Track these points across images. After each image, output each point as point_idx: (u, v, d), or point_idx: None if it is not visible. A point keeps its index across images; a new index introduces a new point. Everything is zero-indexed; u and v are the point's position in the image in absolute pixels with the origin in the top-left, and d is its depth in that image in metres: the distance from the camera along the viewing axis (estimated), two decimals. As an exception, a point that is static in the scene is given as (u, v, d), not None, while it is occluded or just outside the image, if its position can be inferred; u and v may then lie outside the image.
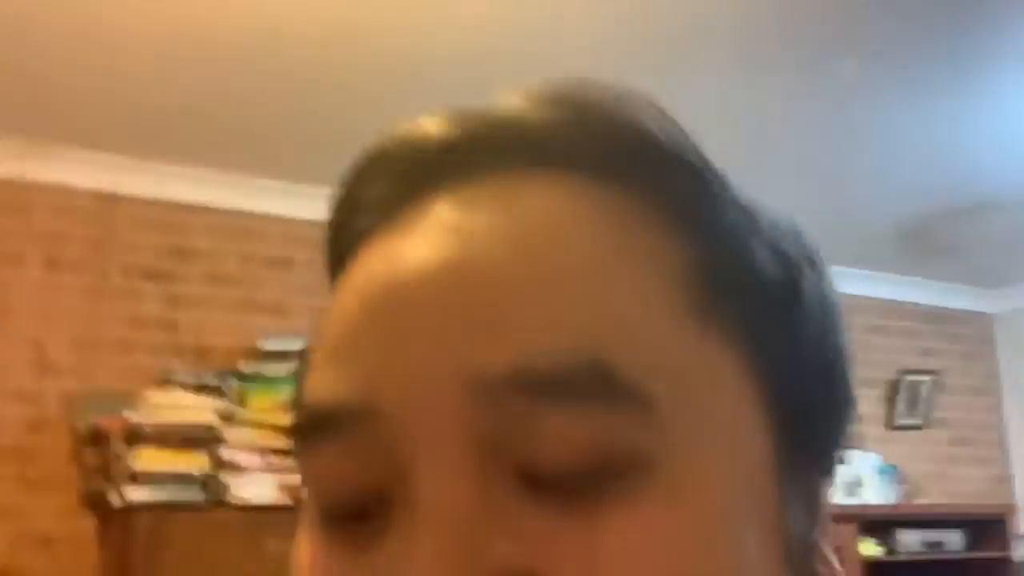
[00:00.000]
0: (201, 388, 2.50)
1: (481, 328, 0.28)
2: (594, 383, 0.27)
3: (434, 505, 0.27)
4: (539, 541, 0.27)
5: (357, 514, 0.28)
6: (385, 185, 0.32)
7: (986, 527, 3.64)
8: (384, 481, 0.28)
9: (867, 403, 3.90)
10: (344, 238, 0.33)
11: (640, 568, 0.27)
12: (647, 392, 0.28)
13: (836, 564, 0.32)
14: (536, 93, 0.32)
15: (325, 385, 0.29)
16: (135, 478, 2.25)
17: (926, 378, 4.09)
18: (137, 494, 2.23)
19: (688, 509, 0.28)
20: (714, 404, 0.29)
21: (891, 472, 3.72)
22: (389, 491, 0.28)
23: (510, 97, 0.32)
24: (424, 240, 0.30)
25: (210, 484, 2.34)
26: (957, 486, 4.08)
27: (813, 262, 0.33)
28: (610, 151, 0.31)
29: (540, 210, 0.30)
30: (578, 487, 0.27)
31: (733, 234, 0.31)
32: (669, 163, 0.31)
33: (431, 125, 0.32)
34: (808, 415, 0.31)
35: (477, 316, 0.28)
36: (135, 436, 2.29)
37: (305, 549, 0.30)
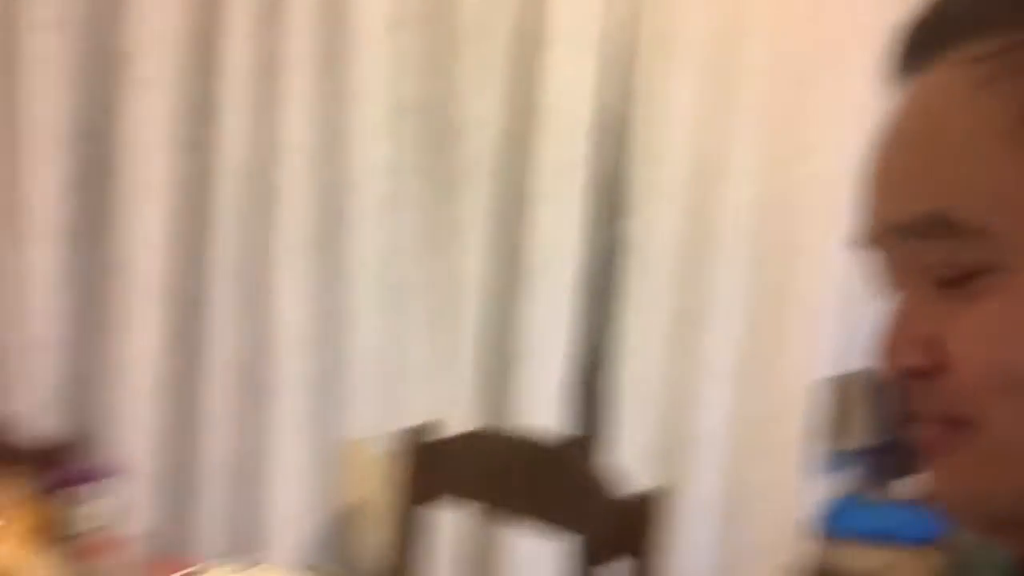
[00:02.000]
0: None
1: (886, 193, 0.43)
2: (942, 226, 0.40)
3: (898, 296, 0.44)
4: (945, 320, 0.41)
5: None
6: (894, 58, 0.45)
7: None
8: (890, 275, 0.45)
9: None
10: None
11: (1002, 326, 0.39)
12: (982, 225, 0.39)
13: None
14: None
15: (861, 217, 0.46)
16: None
17: None
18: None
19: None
20: None
21: None
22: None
23: None
24: (889, 122, 0.43)
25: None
26: None
27: None
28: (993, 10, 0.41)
29: (926, 101, 0.42)
30: (967, 283, 0.40)
31: None
32: None
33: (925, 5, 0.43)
34: None
35: (884, 185, 0.43)
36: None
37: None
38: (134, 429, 1.54)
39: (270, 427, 1.63)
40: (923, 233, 0.41)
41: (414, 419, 1.76)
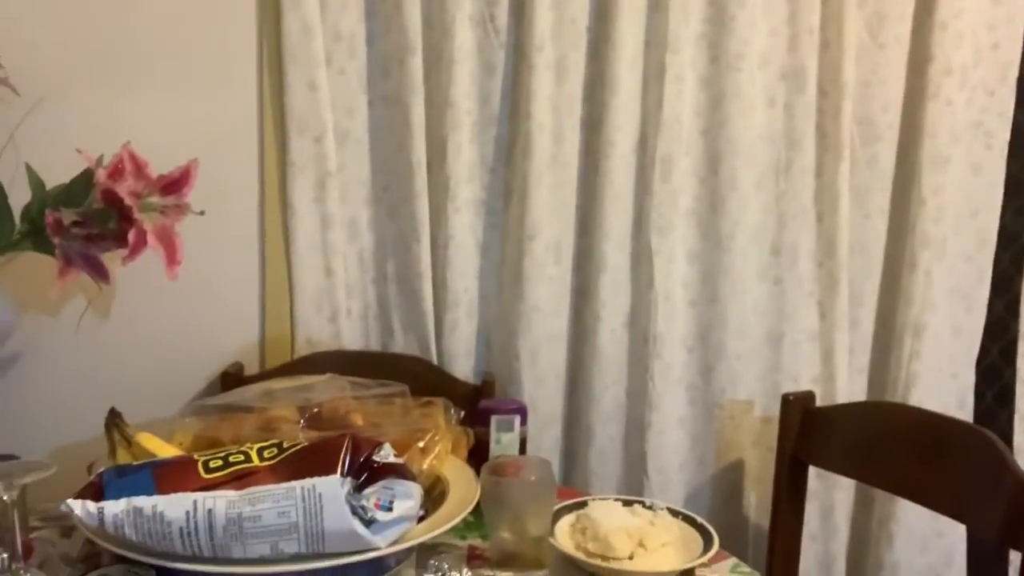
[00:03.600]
0: None
1: None
2: None
3: None
4: None
5: None
6: None
7: None
8: None
9: None
10: None
11: None
12: None
13: None
14: None
15: None
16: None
17: None
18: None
19: None
20: None
21: None
22: None
23: None
24: None
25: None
26: None
27: None
28: None
29: None
30: None
31: None
32: None
33: None
34: None
35: None
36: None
37: None
38: (540, 372, 1.72)
39: (654, 380, 1.73)
40: None
41: (796, 385, 1.77)
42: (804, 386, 1.75)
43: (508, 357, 1.71)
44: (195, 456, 1.05)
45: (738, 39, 1.67)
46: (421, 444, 1.17)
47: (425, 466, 1.18)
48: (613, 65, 1.65)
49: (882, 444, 1.52)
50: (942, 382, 1.83)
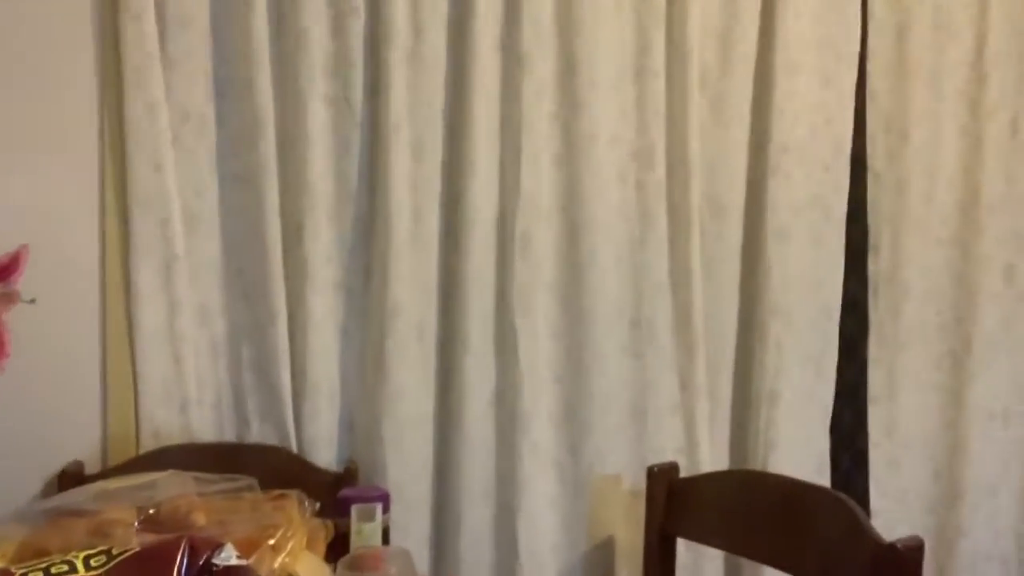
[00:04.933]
0: None
1: None
2: None
3: None
4: None
5: None
6: None
7: None
8: None
9: None
10: None
11: None
12: None
13: None
14: None
15: None
16: None
17: None
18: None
19: None
20: None
21: None
22: None
23: None
24: None
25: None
26: None
27: None
28: None
29: None
30: None
31: None
32: None
33: None
34: None
35: None
36: None
37: None
38: (406, 457, 1.64)
39: (523, 460, 1.68)
40: None
41: (661, 457, 1.76)
42: (669, 458, 1.74)
43: (372, 442, 1.63)
44: (13, 570, 0.93)
45: (589, 120, 1.70)
46: (272, 541, 1.08)
47: (277, 565, 1.08)
48: (470, 145, 1.64)
49: (745, 512, 1.52)
50: (799, 448, 1.86)
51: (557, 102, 1.70)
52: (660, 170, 1.75)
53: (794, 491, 1.48)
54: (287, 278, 1.59)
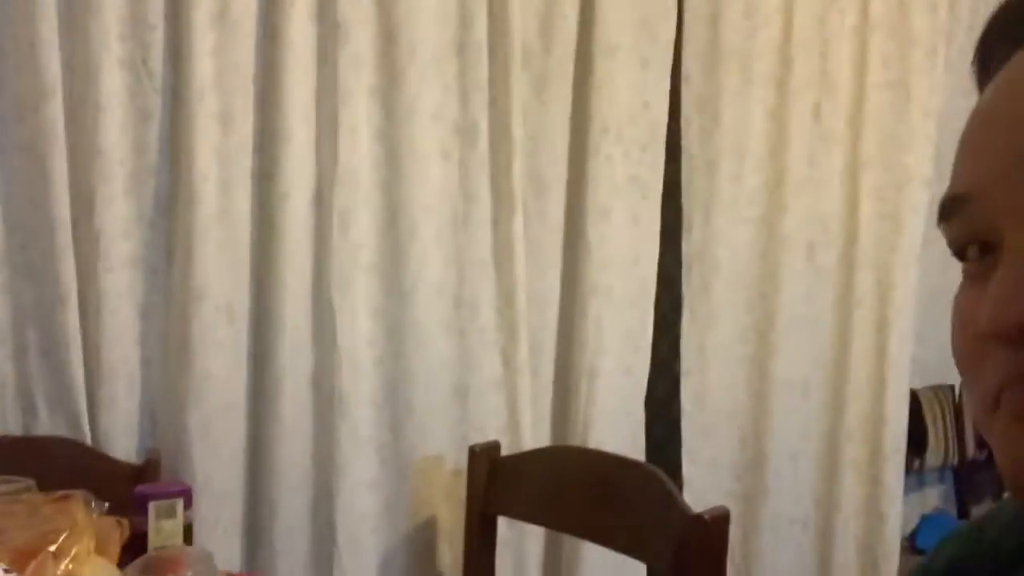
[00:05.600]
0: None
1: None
2: None
3: (1007, 249, 0.39)
4: None
5: (981, 254, 0.41)
6: (1002, 33, 0.43)
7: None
8: (990, 235, 0.40)
9: None
10: (981, 69, 0.44)
11: None
12: None
13: None
14: None
15: (950, 183, 0.42)
16: None
17: None
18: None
19: None
20: None
21: None
22: (993, 242, 0.40)
23: None
24: (1009, 77, 0.41)
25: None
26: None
27: None
28: None
29: None
30: None
31: None
32: None
33: None
34: None
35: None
36: None
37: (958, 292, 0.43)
38: (214, 447, 1.55)
39: (341, 443, 1.62)
40: None
41: (484, 436, 1.74)
42: (491, 436, 1.73)
43: (176, 432, 1.53)
44: None
45: (410, 93, 1.64)
46: (53, 547, 0.98)
47: (59, 572, 0.98)
48: (284, 116, 1.55)
49: (562, 489, 1.53)
50: (617, 421, 1.89)
51: (377, 74, 1.63)
52: (483, 147, 1.72)
53: (608, 466, 1.50)
54: (77, 255, 1.45)
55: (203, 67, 1.48)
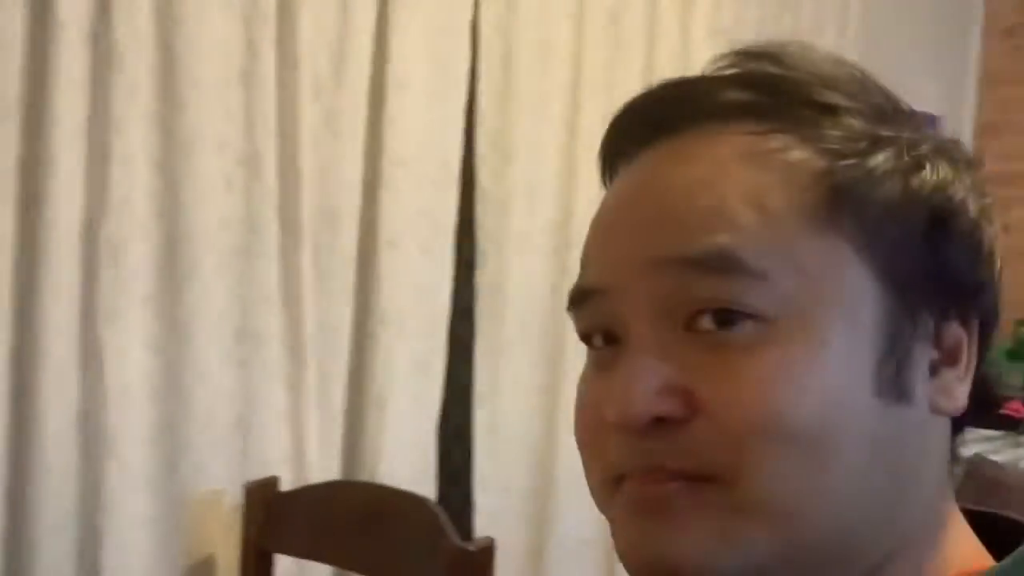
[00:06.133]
0: None
1: (656, 231, 0.42)
2: (726, 264, 0.40)
3: (632, 342, 0.42)
4: (692, 369, 0.40)
5: (606, 343, 0.45)
6: (626, 132, 0.47)
7: None
8: (615, 327, 0.44)
9: None
10: (607, 165, 0.49)
11: (769, 376, 0.39)
12: (764, 271, 0.40)
13: (958, 399, 0.44)
14: (724, 59, 0.46)
15: (580, 274, 0.46)
16: None
17: None
18: None
19: (790, 347, 0.39)
20: (833, 282, 0.41)
21: None
22: (619, 333, 0.43)
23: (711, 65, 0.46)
24: (633, 180, 0.46)
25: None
26: None
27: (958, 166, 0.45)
28: (763, 101, 0.44)
29: (703, 157, 0.43)
30: (718, 334, 0.40)
31: (859, 154, 0.43)
32: (806, 104, 0.44)
33: (653, 91, 0.47)
34: (935, 285, 0.43)
35: (654, 224, 0.43)
36: None
37: (583, 375, 0.46)
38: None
39: (109, 482, 1.56)
40: (709, 266, 0.40)
41: (266, 471, 1.71)
42: (275, 469, 1.70)
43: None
44: None
45: (191, 122, 1.60)
46: None
47: None
48: (50, 141, 1.48)
49: (337, 522, 1.53)
50: (407, 451, 1.91)
51: (156, 101, 1.58)
52: (269, 178, 1.70)
53: (381, 497, 1.51)
54: None
55: (-44, 88, 1.40)
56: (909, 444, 0.42)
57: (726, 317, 0.40)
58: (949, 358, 0.44)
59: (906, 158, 0.43)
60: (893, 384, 0.42)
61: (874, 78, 0.46)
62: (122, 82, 1.53)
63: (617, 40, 2.11)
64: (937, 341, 0.44)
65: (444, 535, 1.41)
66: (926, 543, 0.44)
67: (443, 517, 1.45)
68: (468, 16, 1.91)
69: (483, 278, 2.02)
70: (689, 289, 0.41)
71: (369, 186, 1.84)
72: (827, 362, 0.40)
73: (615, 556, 1.72)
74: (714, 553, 0.39)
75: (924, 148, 0.44)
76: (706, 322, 0.40)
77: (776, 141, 0.43)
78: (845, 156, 0.42)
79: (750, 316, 0.40)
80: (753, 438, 0.38)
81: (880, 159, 0.43)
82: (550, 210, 2.06)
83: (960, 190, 0.44)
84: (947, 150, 0.45)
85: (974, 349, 0.45)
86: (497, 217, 2.01)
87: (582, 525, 2.15)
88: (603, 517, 1.78)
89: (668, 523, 0.40)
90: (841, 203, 0.42)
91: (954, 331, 0.44)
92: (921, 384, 0.43)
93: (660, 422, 0.40)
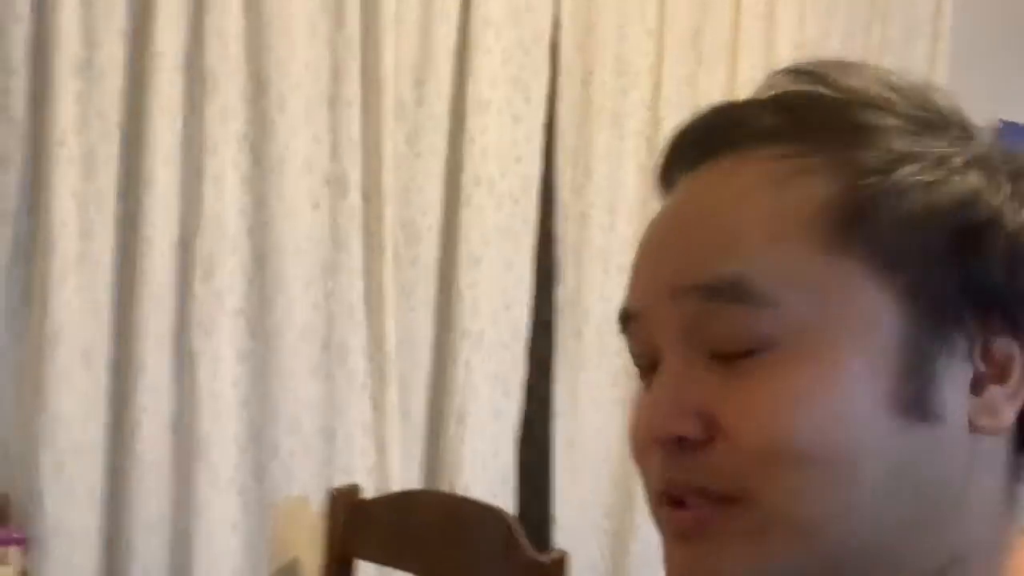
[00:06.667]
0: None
1: (677, 257, 0.43)
2: (739, 291, 0.41)
3: (663, 366, 0.43)
4: (714, 394, 0.41)
5: (649, 364, 0.45)
6: (671, 158, 0.47)
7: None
8: (652, 350, 0.45)
9: None
10: (658, 189, 0.49)
11: (784, 400, 0.40)
12: (775, 297, 0.40)
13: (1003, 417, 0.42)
14: (772, 80, 0.47)
15: (624, 297, 0.47)
16: None
17: None
18: None
19: (802, 371, 0.40)
20: (846, 306, 0.40)
21: None
22: (656, 357, 0.44)
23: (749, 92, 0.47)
24: (669, 205, 0.46)
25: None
26: None
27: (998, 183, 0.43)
28: (794, 124, 0.44)
29: (728, 183, 0.44)
30: (737, 361, 0.41)
31: (880, 172, 0.42)
32: (839, 124, 0.43)
33: (699, 116, 0.47)
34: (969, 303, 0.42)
35: (677, 250, 0.44)
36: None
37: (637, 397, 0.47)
38: (68, 488, 1.54)
39: (200, 485, 1.62)
40: (722, 294, 0.41)
41: (350, 478, 1.75)
42: (359, 478, 1.74)
43: (28, 472, 1.51)
44: None
45: (280, 144, 1.67)
46: None
47: None
48: (148, 162, 1.56)
49: (417, 531, 1.55)
50: (487, 463, 1.92)
51: (246, 123, 1.65)
52: (354, 197, 1.75)
53: (459, 507, 1.53)
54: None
55: (64, 113, 1.49)
56: (939, 463, 0.41)
57: (746, 345, 0.41)
58: (998, 374, 0.42)
59: (931, 172, 0.42)
60: (915, 404, 0.41)
61: (931, 91, 0.45)
62: (214, 106, 1.61)
63: (699, 55, 2.09)
64: (986, 356, 0.42)
65: (519, 546, 1.42)
66: (978, 565, 0.42)
67: (517, 528, 1.45)
68: (547, 36, 1.93)
69: (562, 294, 2.03)
70: (707, 316, 0.41)
71: (450, 204, 1.87)
72: (839, 384, 0.40)
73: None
74: (748, 572, 0.40)
75: (957, 160, 0.43)
76: (726, 348, 0.41)
77: (800, 164, 0.42)
78: (866, 175, 0.42)
79: (766, 342, 0.40)
80: (768, 461, 0.39)
81: (902, 175, 0.42)
82: (630, 225, 2.05)
83: (994, 200, 0.42)
84: (986, 159, 0.43)
85: None
86: (576, 233, 2.01)
87: (659, 541, 2.12)
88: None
89: (703, 547, 0.41)
90: (856, 223, 0.41)
91: (1004, 346, 0.42)
92: (956, 403, 0.41)
93: (684, 442, 0.41)
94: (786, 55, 2.18)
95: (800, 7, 2.18)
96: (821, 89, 0.45)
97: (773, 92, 0.46)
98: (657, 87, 2.06)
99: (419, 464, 1.90)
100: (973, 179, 0.42)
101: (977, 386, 0.42)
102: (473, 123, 1.85)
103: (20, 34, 1.47)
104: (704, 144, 0.46)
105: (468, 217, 1.86)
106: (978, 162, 0.43)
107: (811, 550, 0.40)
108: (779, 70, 0.46)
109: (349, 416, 1.78)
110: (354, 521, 1.62)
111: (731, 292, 0.41)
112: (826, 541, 0.40)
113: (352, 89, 1.73)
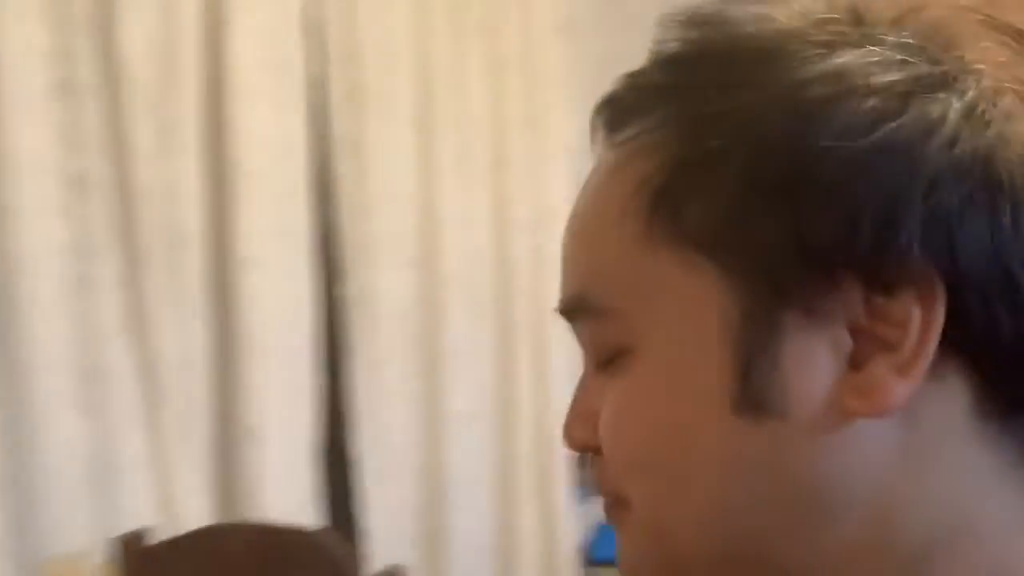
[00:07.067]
0: None
1: (562, 274, 0.41)
2: (583, 308, 0.39)
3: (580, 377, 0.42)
4: (598, 394, 0.39)
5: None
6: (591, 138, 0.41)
7: None
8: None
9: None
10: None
11: (620, 409, 0.38)
12: (616, 308, 0.38)
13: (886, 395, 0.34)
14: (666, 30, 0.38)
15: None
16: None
17: None
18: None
19: (634, 378, 0.38)
20: (666, 301, 0.37)
21: None
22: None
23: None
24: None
25: None
26: None
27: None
28: (650, 97, 0.38)
29: (587, 185, 0.40)
30: (608, 367, 0.39)
31: (693, 138, 0.36)
32: (699, 87, 0.36)
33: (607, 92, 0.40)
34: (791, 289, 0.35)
35: (562, 266, 0.41)
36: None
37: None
38: None
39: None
40: (573, 314, 0.40)
41: (133, 522, 1.52)
42: (145, 520, 1.51)
43: None
44: None
45: (4, 141, 1.41)
46: None
47: None
48: None
49: (228, 573, 1.37)
50: (287, 480, 1.76)
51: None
52: (103, 199, 1.52)
53: (273, 536, 1.37)
54: None
55: None
56: (813, 460, 0.35)
57: (607, 353, 0.39)
58: (883, 344, 0.34)
59: (753, 128, 0.34)
60: (758, 398, 0.35)
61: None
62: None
63: (464, 29, 2.03)
64: (872, 321, 0.34)
65: (351, 569, 1.29)
66: (972, 547, 0.35)
67: (343, 556, 1.32)
68: (298, 10, 1.78)
69: (349, 292, 1.90)
70: (576, 331, 0.41)
71: (217, 202, 1.68)
72: (668, 387, 0.37)
73: (511, 560, 1.64)
74: (638, 567, 0.41)
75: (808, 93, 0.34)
76: (599, 358, 0.40)
77: (632, 149, 0.37)
78: (682, 145, 0.35)
79: (622, 349, 0.38)
80: (622, 470, 0.39)
81: (713, 142, 0.35)
82: (411, 216, 1.96)
83: (817, 138, 0.33)
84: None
85: (939, 321, 0.33)
86: (358, 227, 1.89)
87: (475, 534, 2.05)
88: (497, 523, 1.71)
89: (618, 538, 0.42)
90: (663, 207, 0.36)
91: (896, 307, 0.34)
92: (822, 386, 0.34)
93: (587, 447, 0.41)
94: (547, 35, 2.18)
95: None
96: (709, 37, 0.36)
97: (654, 52, 0.38)
98: (427, 67, 1.98)
99: (210, 492, 1.69)
100: (785, 122, 0.34)
101: (855, 362, 0.35)
102: (234, 112, 1.67)
103: None
104: (593, 132, 0.40)
105: (241, 215, 1.68)
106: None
107: (670, 550, 0.38)
108: (672, 16, 0.37)
109: (121, 451, 1.54)
110: (147, 572, 1.41)
111: (576, 310, 0.40)
112: (677, 542, 0.38)
113: (86, 73, 1.50)
